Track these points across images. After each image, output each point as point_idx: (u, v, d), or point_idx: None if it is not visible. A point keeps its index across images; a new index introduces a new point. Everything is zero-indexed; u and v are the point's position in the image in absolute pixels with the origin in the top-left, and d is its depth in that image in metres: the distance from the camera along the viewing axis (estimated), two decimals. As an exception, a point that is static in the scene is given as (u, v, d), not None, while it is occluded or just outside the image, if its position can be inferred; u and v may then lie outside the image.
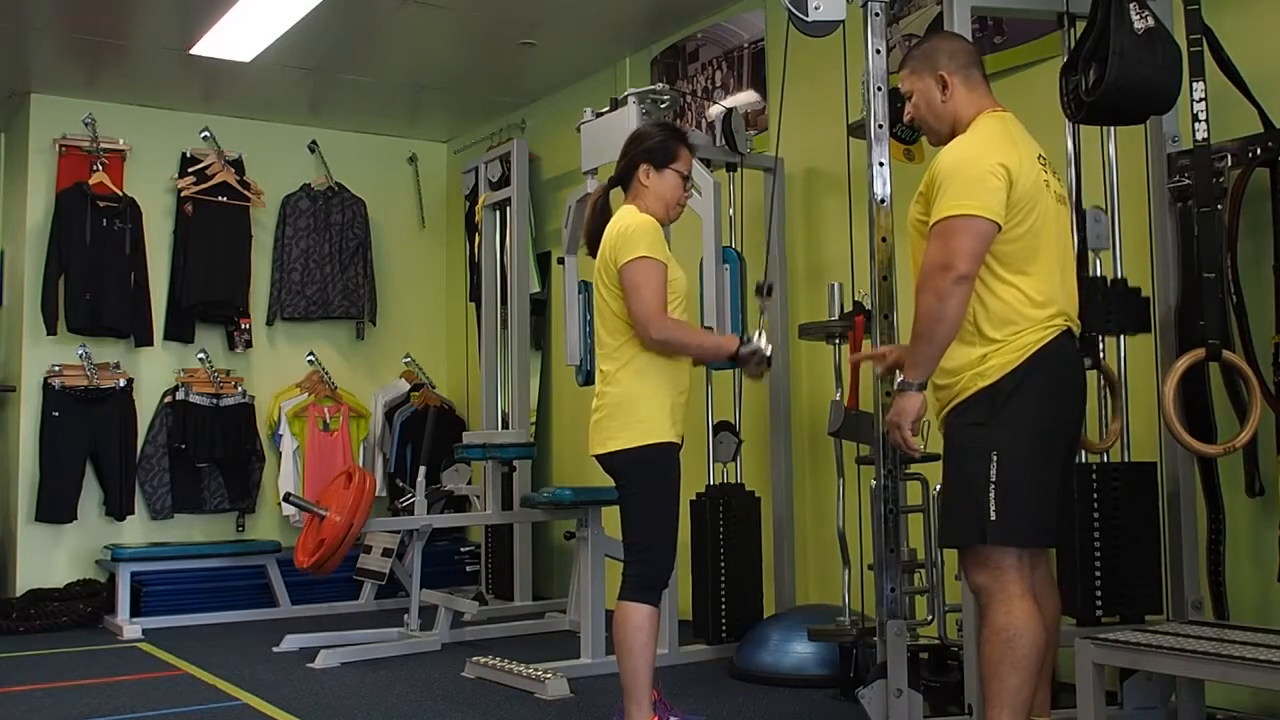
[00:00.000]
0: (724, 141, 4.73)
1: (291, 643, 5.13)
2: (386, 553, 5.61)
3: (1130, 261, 3.49)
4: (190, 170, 6.75)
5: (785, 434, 4.90)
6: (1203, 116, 3.11)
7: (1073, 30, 3.30)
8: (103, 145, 6.50)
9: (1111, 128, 3.45)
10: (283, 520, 6.82)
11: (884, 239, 3.24)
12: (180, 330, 6.71)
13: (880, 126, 3.25)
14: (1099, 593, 3.23)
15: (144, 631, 5.63)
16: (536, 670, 4.16)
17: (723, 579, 4.55)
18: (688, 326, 3.28)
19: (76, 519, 6.29)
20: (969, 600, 3.08)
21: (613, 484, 3.25)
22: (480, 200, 6.33)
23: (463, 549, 6.84)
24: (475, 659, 4.48)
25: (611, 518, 3.59)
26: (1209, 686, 3.10)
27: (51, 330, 6.31)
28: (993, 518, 2.60)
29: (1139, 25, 2.91)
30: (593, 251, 3.38)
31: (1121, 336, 3.39)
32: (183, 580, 6.09)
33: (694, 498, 4.63)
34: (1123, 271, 3.43)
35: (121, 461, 6.37)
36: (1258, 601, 3.45)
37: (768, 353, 3.25)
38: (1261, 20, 3.51)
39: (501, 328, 6.17)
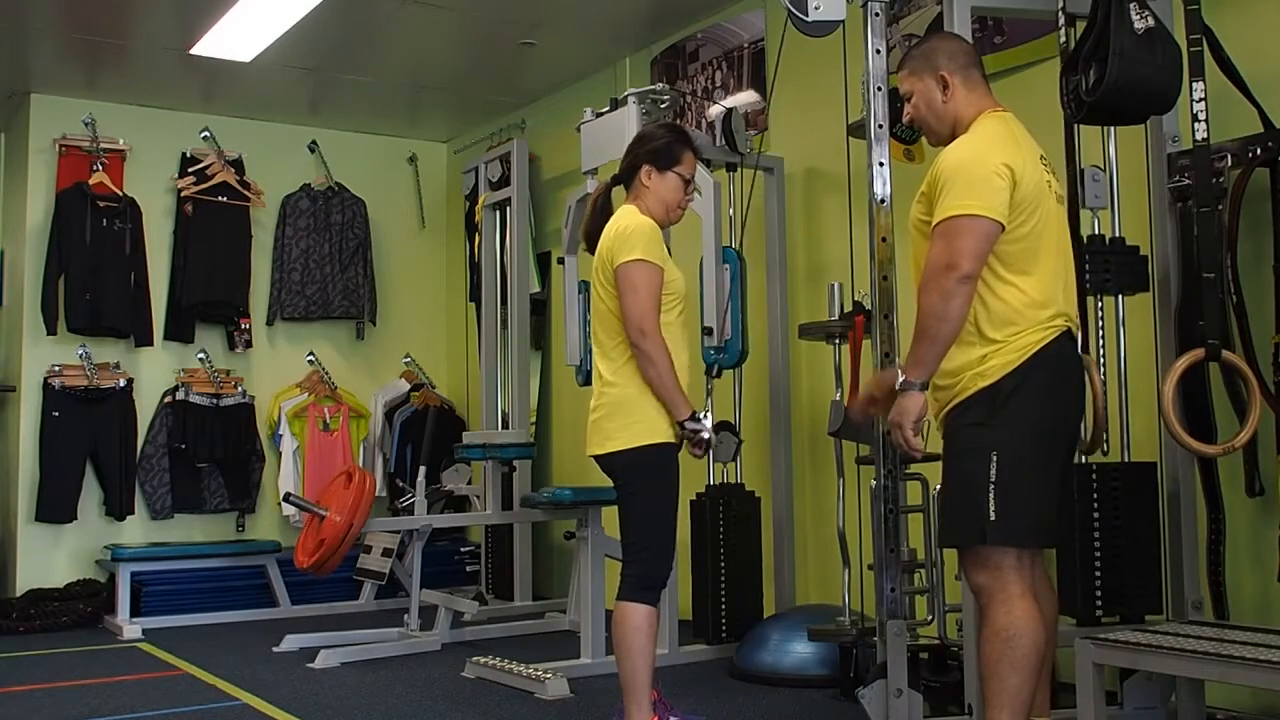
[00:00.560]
0: (724, 141, 4.73)
1: (291, 643, 5.13)
2: (386, 553, 5.61)
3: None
4: (190, 170, 6.75)
5: (785, 434, 4.90)
6: (1203, 116, 3.12)
7: (1073, 30, 3.29)
8: (103, 145, 6.49)
9: (1111, 128, 3.45)
10: (283, 520, 6.82)
11: (884, 239, 3.24)
12: (180, 330, 6.71)
13: (880, 126, 3.25)
14: (1099, 593, 3.23)
15: (144, 631, 5.63)
16: (536, 670, 4.16)
17: (723, 579, 4.55)
18: (667, 360, 3.15)
19: (76, 519, 6.29)
20: (969, 600, 3.08)
21: (612, 484, 3.25)
22: (480, 200, 6.33)
23: (463, 549, 6.84)
24: (475, 659, 4.48)
25: (611, 518, 3.59)
26: (1209, 686, 3.10)
27: (51, 330, 6.31)
28: (992, 518, 2.60)
29: (1139, 25, 2.91)
30: (591, 249, 3.38)
31: (1119, 297, 3.38)
32: (183, 580, 6.09)
33: (694, 498, 4.63)
34: (1121, 231, 3.42)
35: (121, 461, 6.37)
36: (1258, 601, 3.45)
37: (706, 436, 3.21)
38: (1261, 20, 3.51)
39: (501, 328, 6.17)
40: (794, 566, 4.86)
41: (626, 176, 3.37)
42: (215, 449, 6.61)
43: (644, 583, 3.14)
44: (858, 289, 3.91)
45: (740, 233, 4.49)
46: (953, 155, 2.70)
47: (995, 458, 2.61)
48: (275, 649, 5.11)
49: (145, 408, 6.56)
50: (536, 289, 6.49)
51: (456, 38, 5.83)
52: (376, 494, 5.50)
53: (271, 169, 7.01)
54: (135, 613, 5.85)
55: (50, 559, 6.29)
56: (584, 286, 4.71)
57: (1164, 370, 3.22)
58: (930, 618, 3.75)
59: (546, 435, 6.64)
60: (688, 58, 5.79)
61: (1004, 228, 2.62)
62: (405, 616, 5.26)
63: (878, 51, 3.27)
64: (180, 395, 6.59)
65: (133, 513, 6.44)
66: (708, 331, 4.35)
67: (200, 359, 6.73)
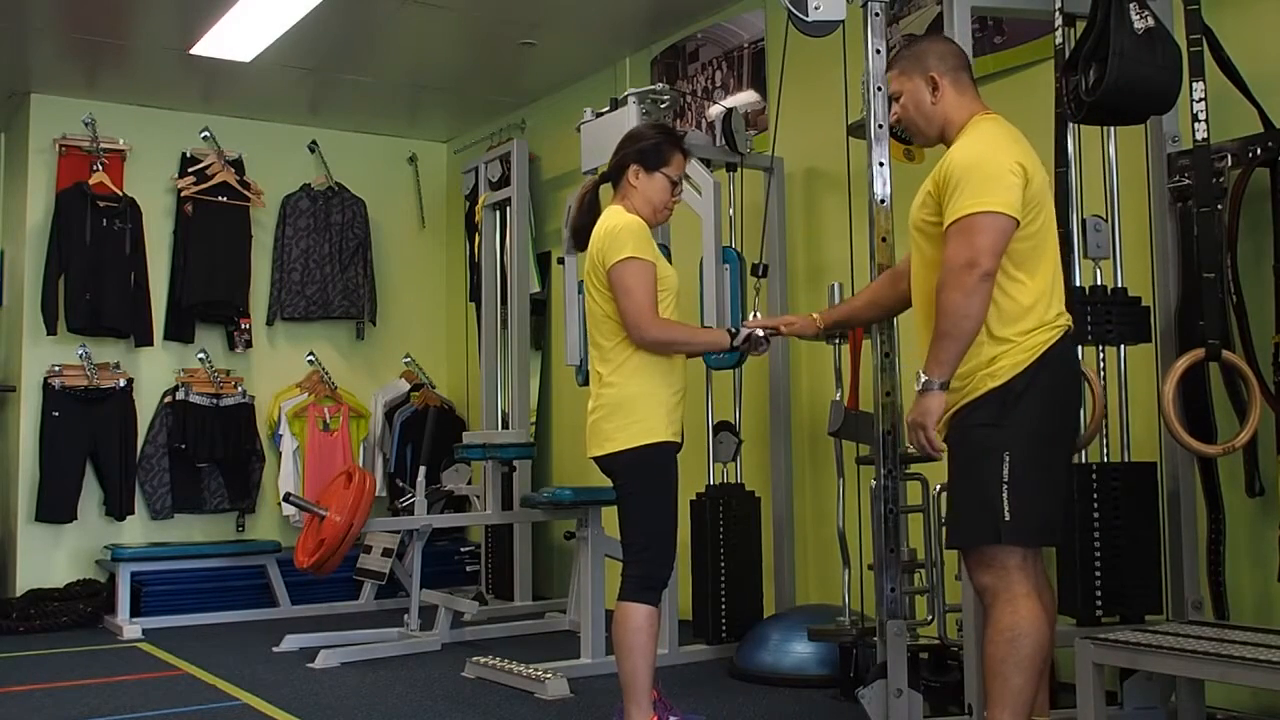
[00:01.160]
0: (724, 141, 4.72)
1: (291, 643, 5.13)
2: (386, 553, 5.61)
3: (1130, 262, 3.49)
4: (190, 170, 6.75)
5: (785, 434, 4.90)
6: (1203, 116, 3.12)
7: (1071, 30, 3.29)
8: (103, 145, 6.50)
9: (1111, 128, 3.45)
10: (283, 520, 6.82)
11: (884, 239, 3.24)
12: (180, 330, 6.71)
13: (880, 126, 3.25)
14: (1099, 593, 3.23)
15: (144, 631, 5.63)
16: (536, 670, 4.16)
17: (723, 579, 4.55)
18: (678, 324, 3.29)
19: (76, 519, 6.29)
20: (969, 600, 3.08)
21: (612, 485, 3.25)
22: (480, 200, 6.33)
23: (463, 549, 6.84)
24: (475, 659, 4.48)
25: (611, 518, 3.59)
26: (1209, 686, 3.10)
27: (51, 330, 6.31)
28: (1007, 518, 2.59)
29: (1139, 25, 2.91)
30: (579, 245, 3.38)
31: (1121, 346, 3.39)
32: (183, 580, 6.09)
33: (694, 498, 4.63)
34: (1123, 281, 3.42)
35: (121, 461, 6.37)
36: (1258, 601, 3.45)
37: (761, 333, 3.28)
38: (1261, 20, 3.51)
39: (501, 328, 6.17)
40: (794, 566, 4.87)
41: (614, 175, 3.36)
42: (215, 449, 6.62)
43: (645, 583, 3.14)
44: (858, 289, 3.90)
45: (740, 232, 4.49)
46: (963, 154, 2.69)
47: (1008, 458, 2.61)
48: (275, 649, 5.11)
49: (145, 408, 6.56)
50: (536, 289, 6.49)
51: (456, 38, 5.83)
52: (376, 494, 5.50)
53: (271, 169, 7.01)
54: (135, 613, 5.86)
55: (50, 559, 6.29)
56: (584, 286, 4.70)
57: (1164, 370, 3.22)
58: (930, 618, 3.75)
59: (546, 435, 6.64)
60: (688, 58, 5.79)
61: (1019, 224, 2.62)
62: (405, 616, 5.26)
63: (878, 51, 3.27)
64: (180, 395, 6.59)
65: (133, 513, 6.44)
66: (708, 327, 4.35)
67: (200, 359, 6.73)
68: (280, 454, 6.85)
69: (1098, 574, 3.24)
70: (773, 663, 4.20)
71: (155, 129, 6.73)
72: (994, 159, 2.65)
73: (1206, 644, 2.67)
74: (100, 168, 6.44)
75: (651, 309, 3.15)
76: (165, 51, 5.89)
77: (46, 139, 6.48)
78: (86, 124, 6.49)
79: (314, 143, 7.19)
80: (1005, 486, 2.59)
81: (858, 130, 3.65)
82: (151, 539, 6.47)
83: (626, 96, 4.63)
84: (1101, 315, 3.28)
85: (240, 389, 6.78)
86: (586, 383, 4.34)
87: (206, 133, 6.81)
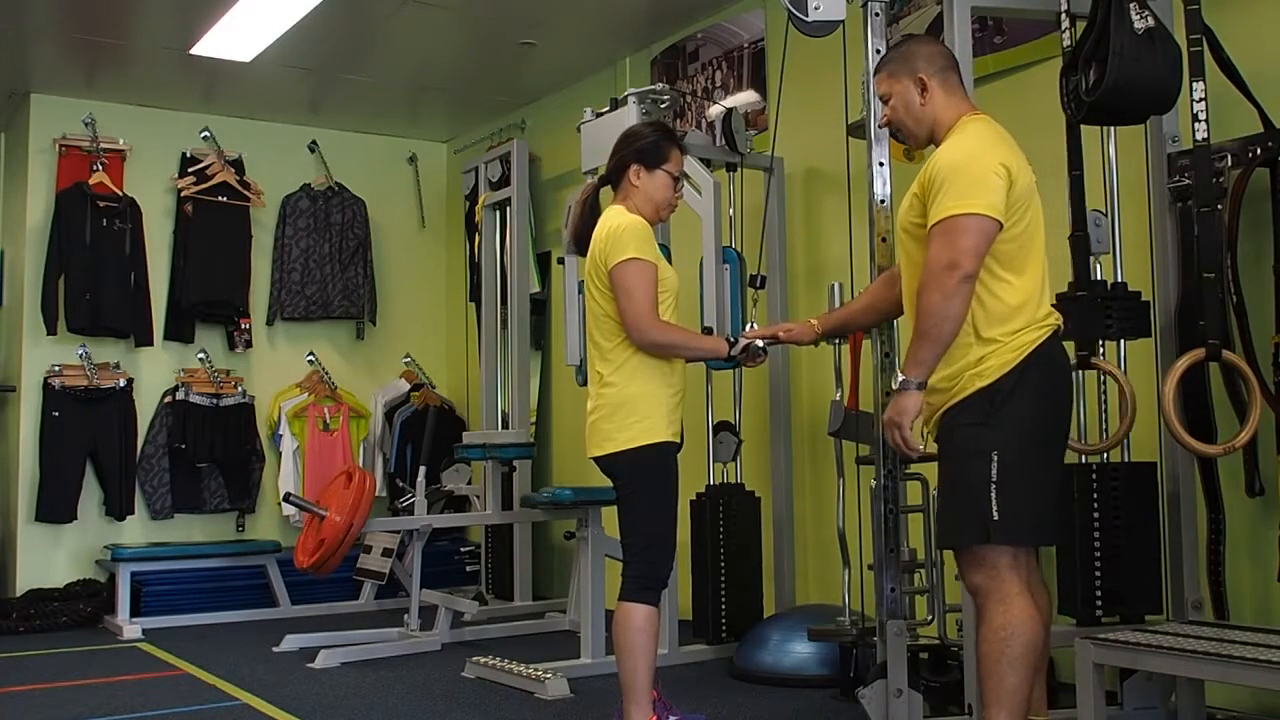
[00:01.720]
0: (724, 141, 4.72)
1: (291, 643, 5.13)
2: (386, 553, 5.61)
3: (1130, 262, 3.49)
4: (190, 170, 6.75)
5: (785, 434, 4.90)
6: (1203, 116, 3.11)
7: (1073, 30, 3.29)
8: (103, 145, 6.50)
9: (1111, 128, 3.45)
10: (283, 520, 6.82)
11: (884, 239, 3.24)
12: (180, 330, 6.71)
13: (880, 126, 3.24)
14: (1099, 593, 3.24)
15: (144, 631, 5.63)
16: (536, 670, 4.16)
17: (723, 579, 4.55)
18: (679, 330, 3.27)
19: (76, 519, 6.29)
20: (969, 600, 3.08)
21: (612, 485, 3.25)
22: (480, 200, 6.33)
23: (463, 549, 6.84)
24: (475, 659, 4.48)
25: (611, 518, 3.59)
26: (1209, 686, 3.10)
27: (51, 330, 6.31)
28: (995, 517, 2.60)
29: (1139, 25, 2.91)
30: (580, 250, 3.38)
31: (1121, 341, 3.39)
32: (183, 580, 6.09)
33: (694, 498, 4.63)
34: (1123, 275, 3.43)
35: (121, 461, 6.37)
36: (1258, 601, 3.45)
37: (760, 344, 3.29)
38: (1261, 20, 3.51)
39: (501, 328, 6.17)
40: (794, 566, 4.86)
41: (614, 177, 3.36)
42: (215, 449, 6.62)
43: (645, 583, 3.14)
44: (857, 289, 3.90)
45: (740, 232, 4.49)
46: (948, 155, 2.70)
47: (996, 457, 2.61)
48: (275, 649, 5.11)
49: (145, 408, 6.56)
50: (536, 289, 6.49)
51: (456, 38, 5.83)
52: (376, 494, 5.50)
53: (271, 169, 7.01)
54: (135, 613, 5.86)
55: (50, 559, 6.29)
56: (584, 286, 4.70)
57: (1164, 370, 3.22)
58: (930, 618, 3.75)
59: (546, 435, 6.64)
60: (688, 58, 5.79)
61: (1002, 226, 2.62)
62: (405, 616, 5.26)
63: (878, 51, 3.27)
64: (180, 395, 6.59)
65: (133, 513, 6.44)
66: (708, 331, 4.35)
67: (200, 359, 6.73)
68: (280, 454, 6.85)
69: (1098, 574, 3.24)
70: (773, 663, 4.20)
71: (155, 129, 6.73)
72: (978, 160, 2.65)
73: (1206, 644, 2.67)
74: (100, 168, 6.44)
75: (652, 311, 3.15)
76: (165, 51, 5.89)
77: (46, 139, 6.48)
78: (86, 124, 6.49)
79: (314, 143, 7.20)
80: (994, 486, 2.60)
81: (858, 130, 3.65)
82: (151, 539, 6.47)
83: (626, 96, 4.64)
84: (1101, 310, 3.28)
85: (240, 389, 6.78)
86: (586, 383, 4.34)
87: (206, 133, 6.81)
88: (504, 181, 6.18)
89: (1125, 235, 3.48)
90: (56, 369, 6.32)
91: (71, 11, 5.40)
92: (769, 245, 4.89)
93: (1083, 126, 3.34)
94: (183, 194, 6.71)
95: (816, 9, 3.38)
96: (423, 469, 5.61)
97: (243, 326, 6.85)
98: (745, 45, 5.46)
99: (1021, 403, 2.63)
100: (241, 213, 6.86)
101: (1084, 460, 3.37)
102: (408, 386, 7.25)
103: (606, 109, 4.73)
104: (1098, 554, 3.24)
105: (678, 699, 3.68)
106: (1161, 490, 3.36)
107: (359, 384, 7.21)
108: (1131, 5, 2.93)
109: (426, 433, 6.69)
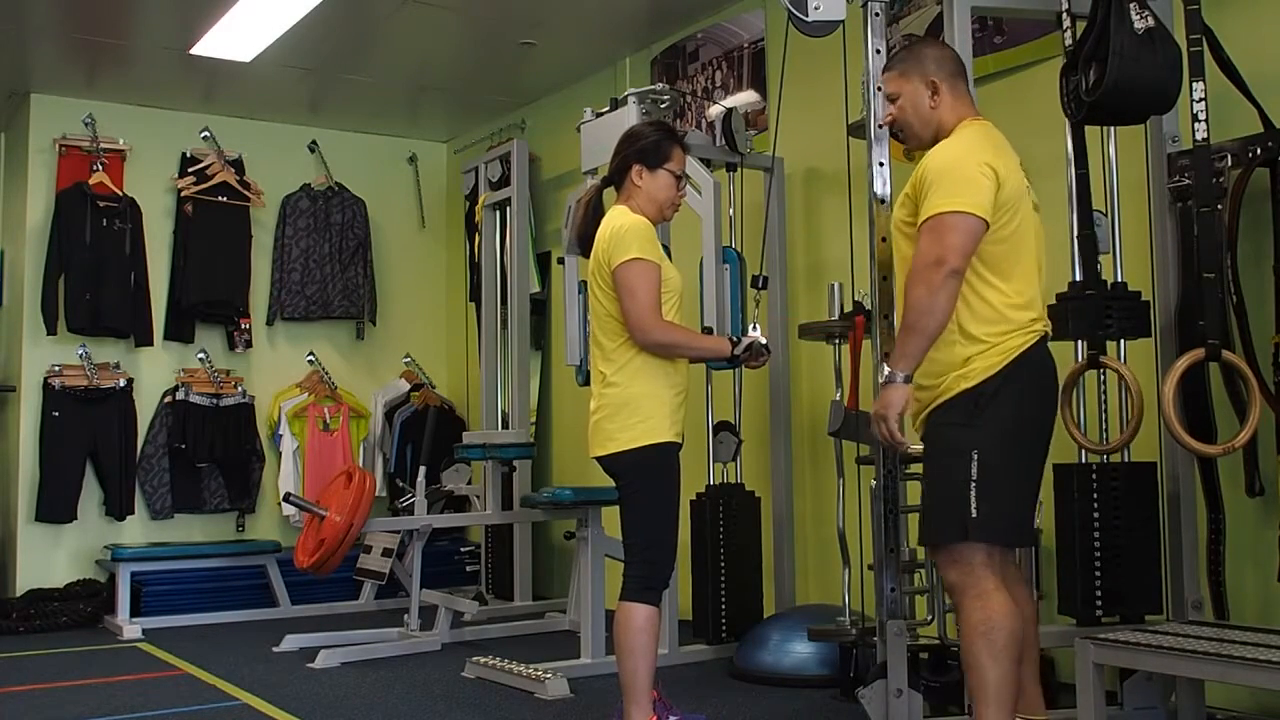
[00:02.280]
0: (724, 141, 4.72)
1: (291, 643, 5.13)
2: (386, 553, 5.61)
3: (1130, 262, 3.49)
4: (190, 170, 6.75)
5: (785, 434, 4.90)
6: (1203, 116, 3.11)
7: (1073, 30, 3.29)
8: (103, 145, 6.50)
9: (1111, 128, 3.45)
10: (283, 520, 6.82)
11: (884, 239, 3.23)
12: (180, 330, 6.71)
13: (880, 126, 3.24)
14: (1099, 593, 3.23)
15: (144, 631, 5.63)
16: (536, 670, 4.16)
17: (723, 579, 4.55)
18: (682, 329, 3.27)
19: (76, 519, 6.29)
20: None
21: (613, 484, 3.25)
22: (480, 200, 6.33)
23: (463, 549, 6.84)
24: (475, 659, 4.48)
25: (611, 518, 3.59)
26: (1209, 686, 3.10)
27: (51, 330, 6.31)
28: (974, 515, 2.63)
29: (1139, 25, 2.91)
30: (584, 252, 3.38)
31: (1122, 340, 3.39)
32: (183, 580, 6.09)
33: (694, 498, 4.63)
34: (1123, 275, 3.42)
35: (121, 461, 6.37)
36: (1258, 601, 3.45)
37: (763, 342, 3.29)
38: (1261, 20, 3.51)
39: (501, 328, 6.17)
40: (794, 566, 4.86)
41: (617, 177, 3.36)
42: (215, 449, 6.62)
43: (646, 583, 3.14)
44: (858, 289, 3.91)
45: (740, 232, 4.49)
46: (939, 156, 2.74)
47: (976, 457, 2.64)
48: (275, 649, 5.11)
49: (145, 408, 6.56)
50: (536, 289, 6.49)
51: (456, 38, 5.83)
52: (376, 494, 5.50)
53: (271, 169, 7.01)
54: (135, 613, 5.86)
55: (50, 559, 6.29)
56: (584, 286, 4.69)
57: (1164, 370, 3.22)
58: (930, 618, 3.75)
59: (546, 435, 6.64)
60: (688, 58, 5.79)
61: (989, 226, 2.65)
62: (405, 616, 5.26)
63: (878, 51, 3.27)
64: (180, 395, 6.59)
65: (133, 513, 6.44)
66: (708, 331, 4.35)
67: (200, 359, 6.73)
68: (280, 454, 6.85)
69: (1098, 574, 3.24)
70: (773, 663, 4.20)
71: (155, 129, 6.73)
72: (967, 161, 2.68)
73: (1206, 644, 2.67)
74: (100, 168, 6.44)
75: (655, 310, 3.15)
76: (165, 51, 5.89)
77: (46, 139, 6.48)
78: (86, 124, 6.49)
79: (314, 143, 7.19)
80: (973, 486, 2.63)
81: (858, 130, 3.65)
82: (151, 539, 6.47)
83: (626, 96, 4.64)
84: (1101, 310, 3.28)
85: (240, 389, 6.78)
86: (587, 383, 4.34)
87: (206, 133, 6.81)
88: (504, 181, 6.18)
89: (1125, 235, 3.47)
90: (56, 369, 6.32)
91: (71, 11, 5.40)
92: (769, 245, 4.89)
93: (1081, 126, 3.33)
94: (183, 194, 6.71)
95: (816, 9, 3.38)
96: (423, 469, 5.61)
97: (243, 326, 6.85)
98: (745, 45, 5.46)
99: (1004, 405, 2.66)
100: (241, 213, 6.86)
101: (1084, 460, 3.36)
102: (408, 386, 7.25)
103: (606, 109, 4.73)
104: (1098, 554, 3.24)
105: (678, 699, 3.68)
106: (1161, 490, 3.35)
107: (359, 384, 7.21)
108: (1131, 5, 2.93)
109: (426, 433, 6.70)
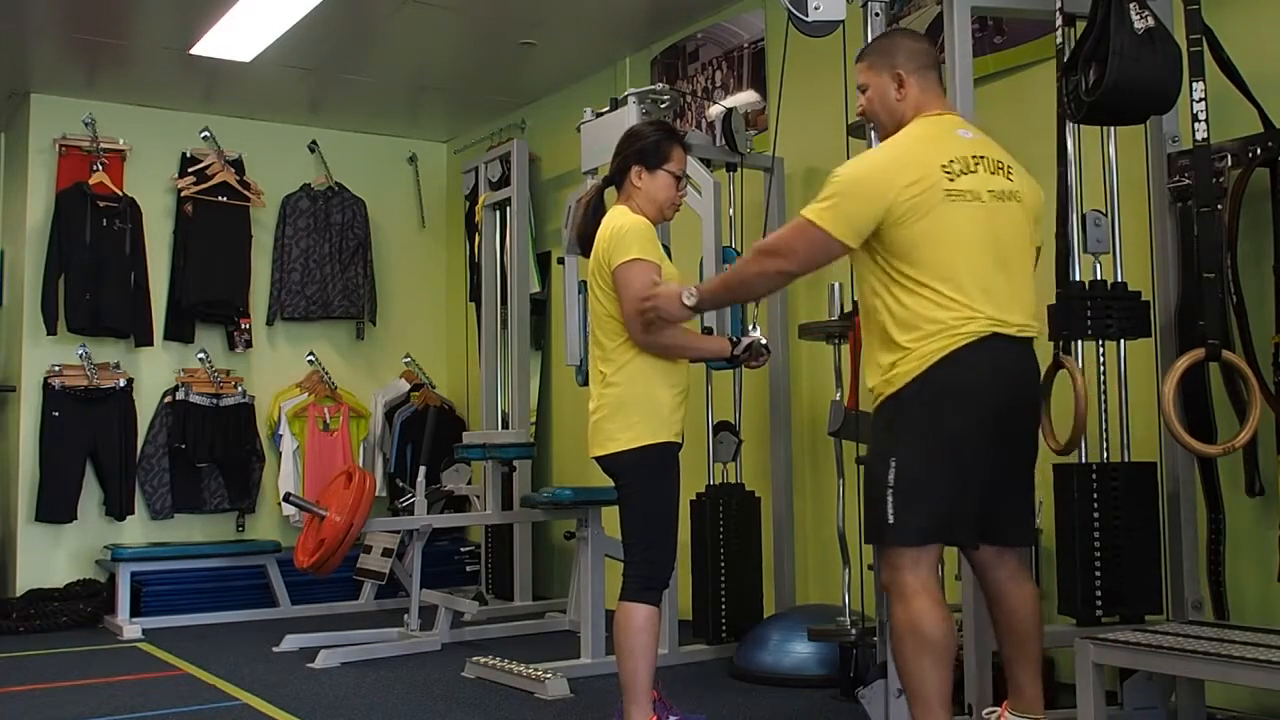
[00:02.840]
0: (724, 141, 4.72)
1: (291, 643, 5.13)
2: (386, 553, 5.61)
3: (1130, 262, 3.49)
4: (190, 170, 6.75)
5: (785, 434, 4.90)
6: (1203, 116, 3.11)
7: (1071, 30, 3.29)
8: (103, 145, 6.50)
9: (1111, 128, 3.45)
10: (283, 520, 6.82)
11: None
12: (180, 330, 6.71)
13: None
14: (1099, 593, 3.23)
15: (144, 631, 5.63)
16: (536, 670, 4.16)
17: (723, 579, 4.55)
18: (681, 330, 3.25)
19: (76, 519, 6.29)
20: (968, 600, 3.09)
21: (613, 484, 3.25)
22: (480, 200, 6.33)
23: (463, 549, 6.85)
24: (475, 659, 4.49)
25: (611, 518, 3.59)
26: (1209, 686, 3.10)
27: (51, 330, 6.31)
28: (890, 520, 2.65)
29: (1139, 25, 2.91)
30: (585, 252, 3.38)
31: (1121, 340, 3.39)
32: (183, 580, 6.09)
33: (694, 498, 4.63)
34: (1123, 275, 3.42)
35: (121, 461, 6.38)
36: (1258, 601, 3.45)
37: (763, 342, 3.29)
38: (1261, 20, 3.51)
39: (501, 328, 6.17)
40: (794, 566, 4.86)
41: (617, 177, 3.36)
42: (215, 449, 6.62)
43: (646, 583, 3.13)
44: (857, 289, 3.90)
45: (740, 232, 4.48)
46: (851, 162, 2.76)
47: (893, 463, 2.65)
48: (275, 649, 5.11)
49: (145, 408, 6.56)
50: (536, 289, 6.49)
51: (456, 38, 5.84)
52: (376, 494, 5.50)
53: (271, 169, 7.01)
54: (135, 613, 5.86)
55: (50, 559, 6.29)
56: (584, 286, 4.69)
57: (1164, 370, 3.22)
58: (930, 618, 3.74)
59: (546, 435, 6.64)
60: (688, 58, 5.79)
61: (844, 248, 2.69)
62: (405, 616, 5.26)
63: (878, 52, 3.26)
64: (180, 395, 6.59)
65: (133, 513, 6.44)
66: (707, 331, 4.35)
67: (200, 359, 6.73)
68: (280, 454, 6.85)
69: (1098, 574, 3.24)
70: (773, 663, 4.20)
71: (155, 129, 6.73)
72: (864, 174, 2.69)
73: (1206, 644, 2.67)
74: (100, 168, 6.44)
75: None
76: (165, 51, 5.89)
77: (46, 139, 6.48)
78: (86, 124, 6.49)
79: (314, 143, 7.20)
80: (890, 491, 2.64)
81: (858, 130, 3.65)
82: (151, 539, 6.47)
83: (626, 96, 4.64)
84: (1101, 309, 3.28)
85: (240, 389, 6.78)
86: (586, 383, 4.34)
87: (206, 133, 6.81)
88: (504, 181, 6.18)
89: (1125, 235, 3.47)
90: (56, 369, 6.32)
91: (71, 11, 5.40)
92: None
93: (1081, 126, 3.33)
94: (183, 194, 6.71)
95: (816, 9, 3.38)
96: (423, 469, 5.61)
97: (243, 326, 6.85)
98: (745, 45, 5.46)
99: (921, 411, 2.64)
100: (241, 213, 6.86)
101: (1084, 460, 3.36)
102: (408, 386, 7.25)
103: (606, 109, 4.73)
104: (1098, 554, 3.24)
105: (678, 699, 3.68)
106: (1161, 490, 3.35)
107: (359, 384, 7.21)
108: (1131, 5, 2.93)
109: (426, 433, 6.70)
